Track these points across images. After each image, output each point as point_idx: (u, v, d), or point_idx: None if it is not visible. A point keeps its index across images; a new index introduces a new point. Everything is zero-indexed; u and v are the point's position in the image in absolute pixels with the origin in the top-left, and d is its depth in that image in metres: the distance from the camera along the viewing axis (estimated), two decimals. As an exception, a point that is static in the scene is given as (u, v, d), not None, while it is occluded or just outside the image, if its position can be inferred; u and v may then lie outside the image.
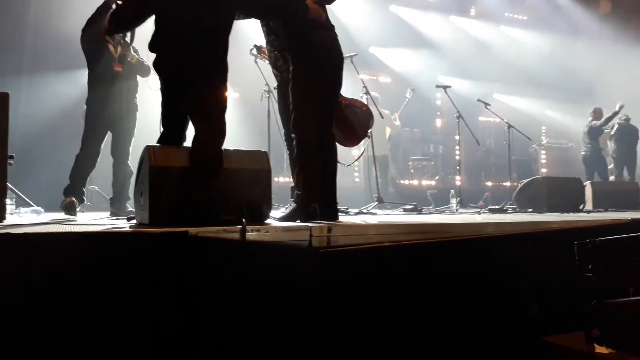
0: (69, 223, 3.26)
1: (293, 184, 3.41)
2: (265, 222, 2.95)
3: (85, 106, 4.50)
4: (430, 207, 6.64)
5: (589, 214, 5.38)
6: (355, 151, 6.42)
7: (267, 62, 3.75)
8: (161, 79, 3.07)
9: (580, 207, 6.10)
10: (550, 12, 11.35)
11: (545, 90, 11.18)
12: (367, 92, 6.12)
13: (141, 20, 3.18)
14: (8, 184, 3.35)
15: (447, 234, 2.74)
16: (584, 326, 1.90)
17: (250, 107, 6.69)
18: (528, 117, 10.65)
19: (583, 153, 8.92)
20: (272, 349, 1.87)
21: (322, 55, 3.32)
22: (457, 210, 6.01)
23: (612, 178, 8.93)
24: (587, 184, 7.00)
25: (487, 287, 2.30)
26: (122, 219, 3.65)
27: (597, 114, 8.86)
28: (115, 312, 1.95)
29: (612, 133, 9.12)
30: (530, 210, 5.90)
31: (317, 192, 3.23)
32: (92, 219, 3.79)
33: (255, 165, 3.03)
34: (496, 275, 2.33)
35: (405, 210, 5.83)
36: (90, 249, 2.04)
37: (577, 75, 10.86)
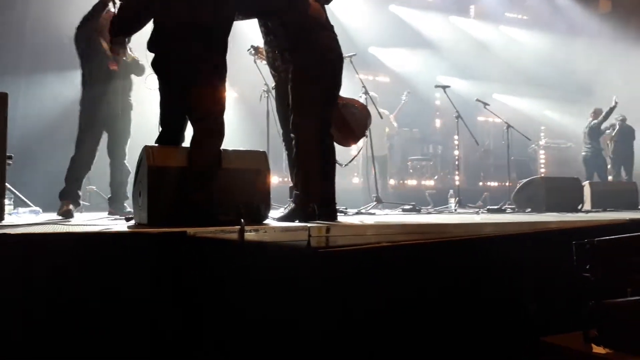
0: (67, 223, 3.26)
1: (292, 184, 3.41)
2: (264, 222, 2.95)
3: (79, 106, 4.33)
4: (429, 207, 6.64)
5: (587, 214, 5.39)
6: (354, 151, 6.42)
7: (264, 62, 3.74)
8: (160, 79, 3.08)
9: (579, 207, 6.11)
10: (550, 12, 11.35)
11: (544, 90, 11.18)
12: (366, 92, 6.12)
13: (143, 22, 3.16)
14: (6, 184, 3.35)
15: (446, 235, 2.74)
16: (583, 326, 1.90)
17: (249, 107, 6.68)
18: (527, 117, 10.67)
19: (583, 154, 8.91)
20: (273, 347, 1.87)
21: (323, 55, 3.32)
22: (455, 210, 6.01)
23: (610, 178, 8.94)
24: (586, 184, 6.99)
25: (486, 287, 2.30)
26: (121, 219, 3.65)
27: (597, 114, 8.86)
28: (115, 312, 1.95)
29: (614, 134, 9.12)
30: (529, 210, 5.90)
31: (316, 193, 3.23)
32: (91, 219, 3.79)
33: (254, 165, 3.04)
34: (494, 275, 2.33)
35: (403, 210, 5.83)
36: (89, 249, 2.04)
37: (577, 75, 10.86)
